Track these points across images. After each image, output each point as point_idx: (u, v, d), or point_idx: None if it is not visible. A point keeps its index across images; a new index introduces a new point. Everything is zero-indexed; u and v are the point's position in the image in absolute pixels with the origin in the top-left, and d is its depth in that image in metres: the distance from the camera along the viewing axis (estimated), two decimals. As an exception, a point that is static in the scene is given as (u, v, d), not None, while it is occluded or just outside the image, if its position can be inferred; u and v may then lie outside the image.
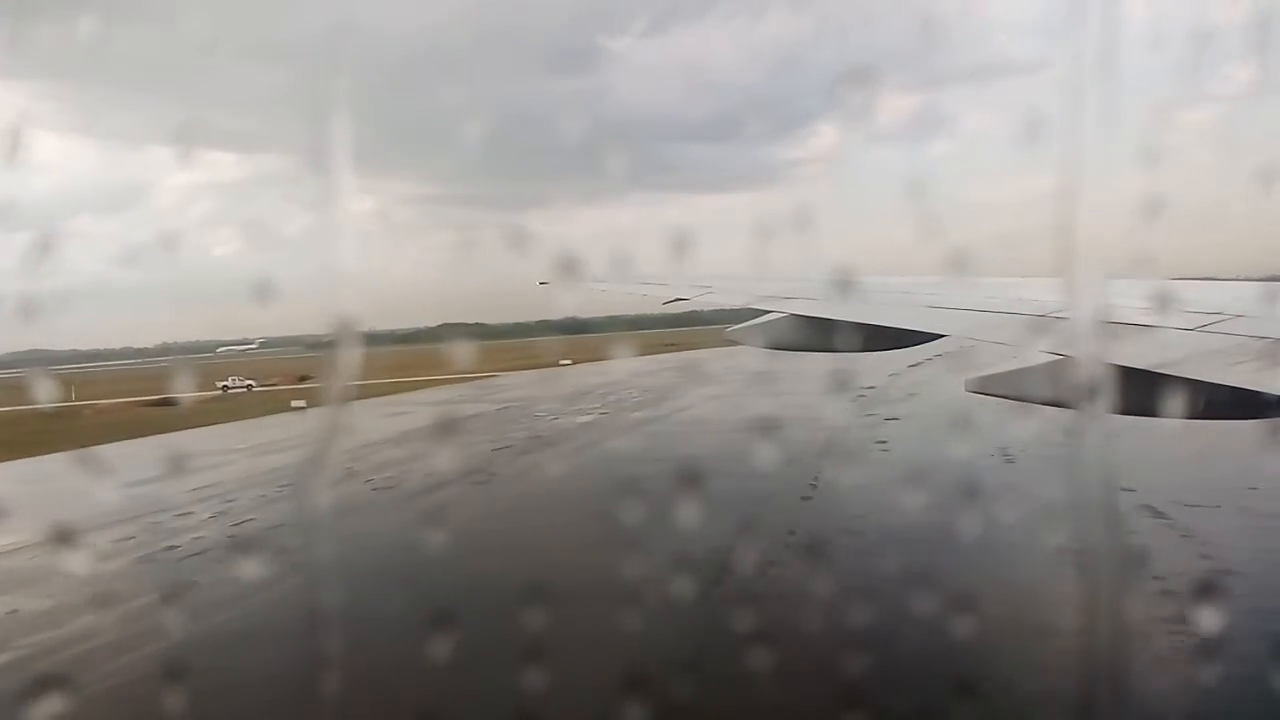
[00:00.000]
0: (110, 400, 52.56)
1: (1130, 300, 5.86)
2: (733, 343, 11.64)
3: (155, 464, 26.80)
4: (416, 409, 40.23)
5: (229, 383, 57.98)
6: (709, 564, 12.76)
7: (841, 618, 8.63)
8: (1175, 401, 4.75)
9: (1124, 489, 16.29)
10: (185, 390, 54.21)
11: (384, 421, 34.78)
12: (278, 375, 60.44)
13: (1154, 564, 12.27)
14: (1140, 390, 4.93)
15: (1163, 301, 5.70)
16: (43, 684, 8.54)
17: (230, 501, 21.70)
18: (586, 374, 50.68)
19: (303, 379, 56.39)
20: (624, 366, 50.04)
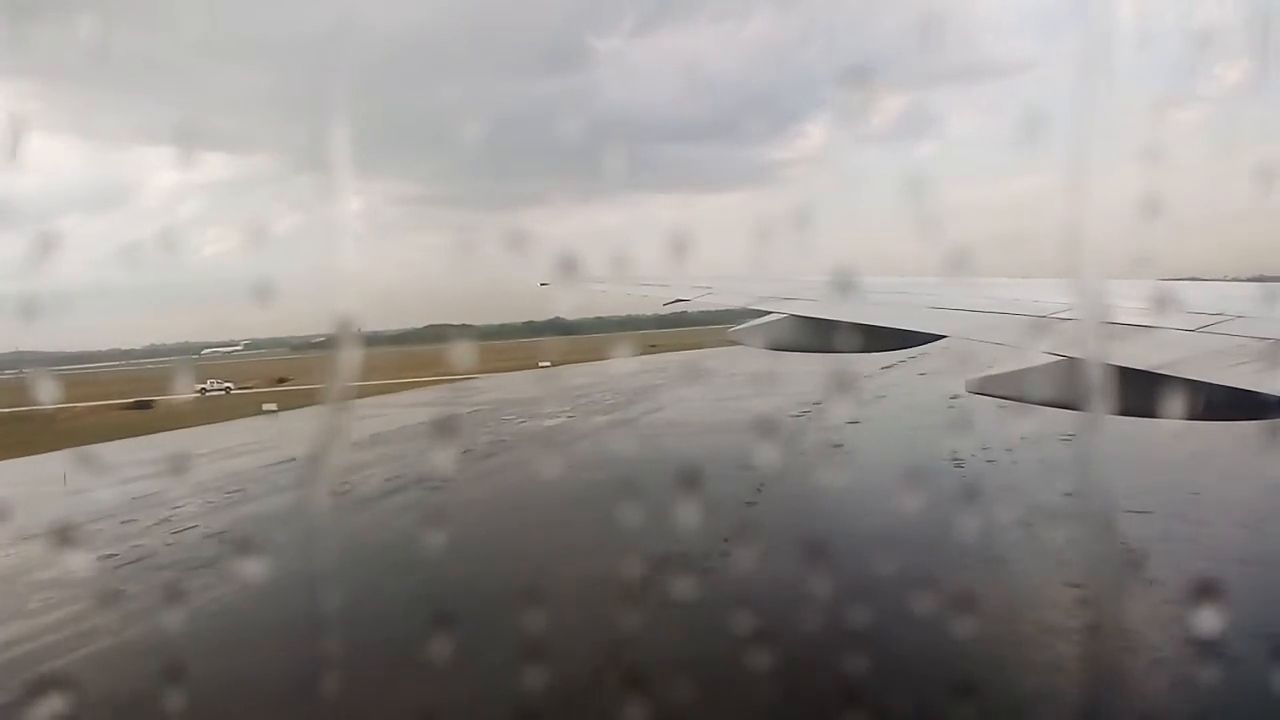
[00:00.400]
0: (87, 403, 52.26)
1: (1129, 301, 5.88)
2: (733, 343, 11.62)
3: (110, 469, 26.64)
4: (389, 411, 39.96)
5: (207, 385, 57.79)
6: (634, 570, 12.64)
7: (752, 623, 8.72)
8: (1174, 402, 4.72)
9: (1066, 493, 16.16)
10: (165, 393, 54.13)
11: (353, 425, 34.55)
12: (256, 378, 60.18)
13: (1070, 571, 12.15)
14: (1139, 391, 4.91)
15: (1161, 302, 5.70)
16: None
17: (176, 509, 21.44)
18: (565, 376, 50.47)
19: (280, 381, 56.14)
20: (605, 368, 49.87)
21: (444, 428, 34.99)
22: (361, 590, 12.83)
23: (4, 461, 30.09)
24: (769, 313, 10.34)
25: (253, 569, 16.02)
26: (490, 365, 51.93)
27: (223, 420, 41.76)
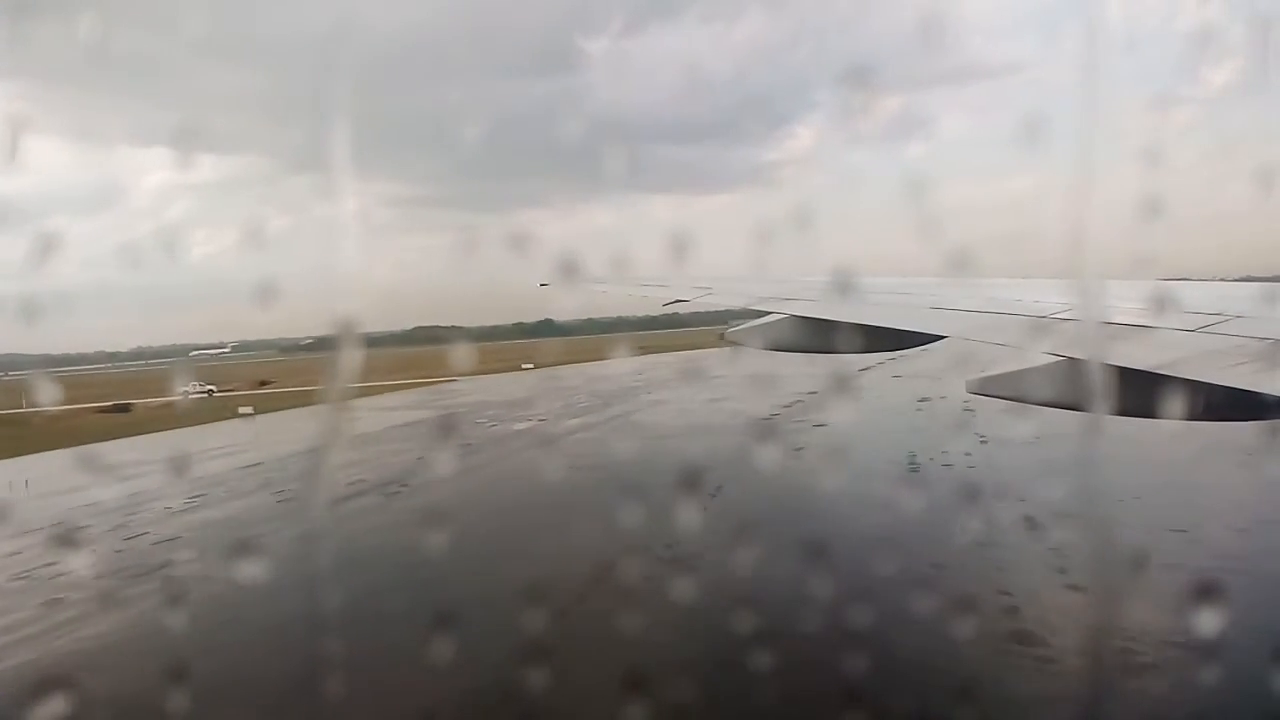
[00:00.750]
0: (66, 406, 51.98)
1: (1128, 301, 5.89)
2: (732, 344, 11.55)
3: (74, 475, 26.40)
4: (363, 414, 39.81)
5: (189, 388, 57.56)
6: (584, 573, 12.64)
7: (700, 624, 8.92)
8: (1174, 403, 4.70)
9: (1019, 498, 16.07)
10: (148, 395, 53.91)
11: (323, 429, 34.34)
12: (240, 380, 59.97)
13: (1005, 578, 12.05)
14: (1139, 391, 4.90)
15: (1160, 302, 5.70)
16: None
17: (132, 515, 21.21)
18: (546, 378, 50.32)
19: (263, 384, 55.95)
20: (591, 370, 49.74)
21: (413, 432, 34.88)
22: (299, 596, 12.68)
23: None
24: (768, 313, 10.30)
25: (194, 577, 15.92)
26: (472, 368, 51.72)
27: (199, 424, 41.53)
